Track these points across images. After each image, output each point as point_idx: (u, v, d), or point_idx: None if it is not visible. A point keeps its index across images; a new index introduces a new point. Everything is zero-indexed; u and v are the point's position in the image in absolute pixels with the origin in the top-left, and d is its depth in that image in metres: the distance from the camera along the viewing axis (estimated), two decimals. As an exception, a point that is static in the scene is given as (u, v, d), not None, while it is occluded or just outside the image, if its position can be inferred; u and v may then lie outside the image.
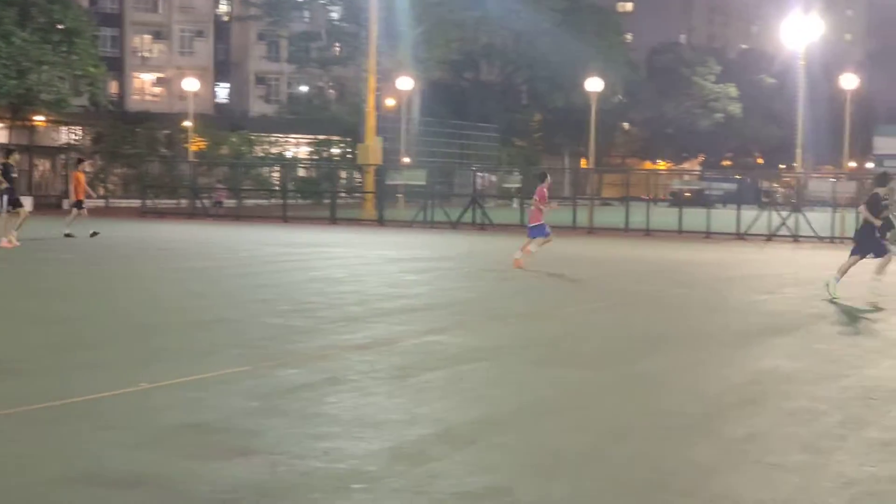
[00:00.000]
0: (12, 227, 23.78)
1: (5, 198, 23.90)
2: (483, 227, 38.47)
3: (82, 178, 29.24)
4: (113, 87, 76.34)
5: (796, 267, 23.29)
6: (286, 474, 5.99)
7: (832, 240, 34.20)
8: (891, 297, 16.49)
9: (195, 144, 57.55)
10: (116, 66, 75.90)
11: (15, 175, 24.86)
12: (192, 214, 43.50)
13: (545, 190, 21.71)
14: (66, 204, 33.81)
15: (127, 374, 8.80)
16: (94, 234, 27.38)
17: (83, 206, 28.66)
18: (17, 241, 23.41)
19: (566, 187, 78.94)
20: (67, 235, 27.30)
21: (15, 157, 25.63)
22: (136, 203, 48.24)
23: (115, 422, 7.21)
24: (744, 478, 6.18)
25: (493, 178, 66.74)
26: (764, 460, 6.53)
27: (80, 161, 31.49)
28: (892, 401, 8.38)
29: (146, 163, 52.20)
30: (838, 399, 8.41)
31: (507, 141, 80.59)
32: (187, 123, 56.29)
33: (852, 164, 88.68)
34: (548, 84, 77.12)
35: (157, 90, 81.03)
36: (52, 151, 55.77)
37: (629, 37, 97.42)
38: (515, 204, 54.64)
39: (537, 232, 21.16)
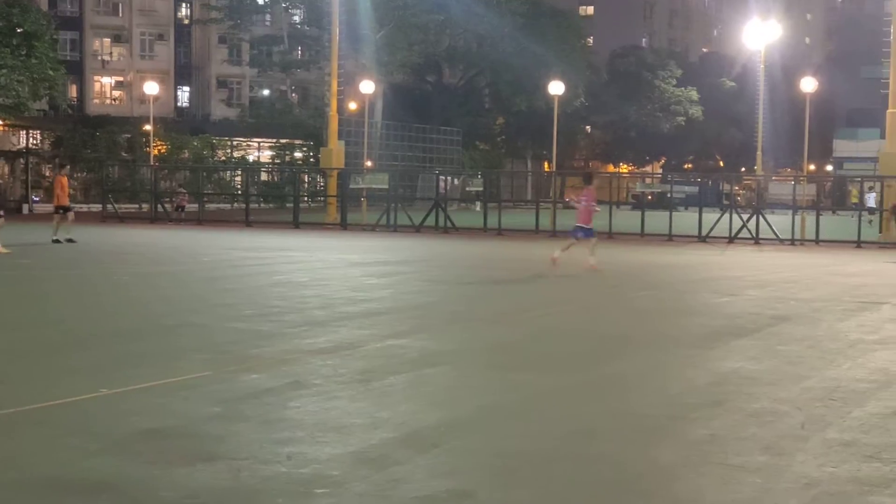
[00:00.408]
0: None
1: None
2: (447, 230, 38.48)
3: (66, 182, 28.95)
4: (73, 91, 75.80)
5: (758, 269, 23.45)
6: (249, 479, 5.96)
7: (793, 242, 34.49)
8: (852, 299, 16.65)
9: (156, 148, 57.17)
10: (76, 70, 75.32)
11: None
12: (153, 219, 43.22)
13: (594, 191, 22.22)
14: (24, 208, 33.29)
15: (89, 379, 8.73)
16: (70, 240, 27.03)
17: (71, 209, 28.38)
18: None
19: (529, 191, 79.15)
20: (55, 241, 26.97)
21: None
22: (96, 208, 47.85)
23: (75, 428, 7.16)
24: (706, 479, 6.21)
25: (457, 181, 66.79)
26: (726, 461, 6.57)
27: (62, 165, 31.13)
28: (852, 402, 8.45)
29: (107, 167, 51.78)
30: (800, 400, 8.47)
31: (470, 144, 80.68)
32: (148, 127, 55.92)
33: (812, 167, 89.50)
34: (510, 87, 77.23)
35: (118, 94, 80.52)
36: (11, 156, 55.23)
37: (590, 40, 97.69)
38: (479, 207, 54.76)
39: (587, 233, 21.40)
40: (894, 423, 7.71)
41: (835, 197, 72.09)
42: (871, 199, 45.69)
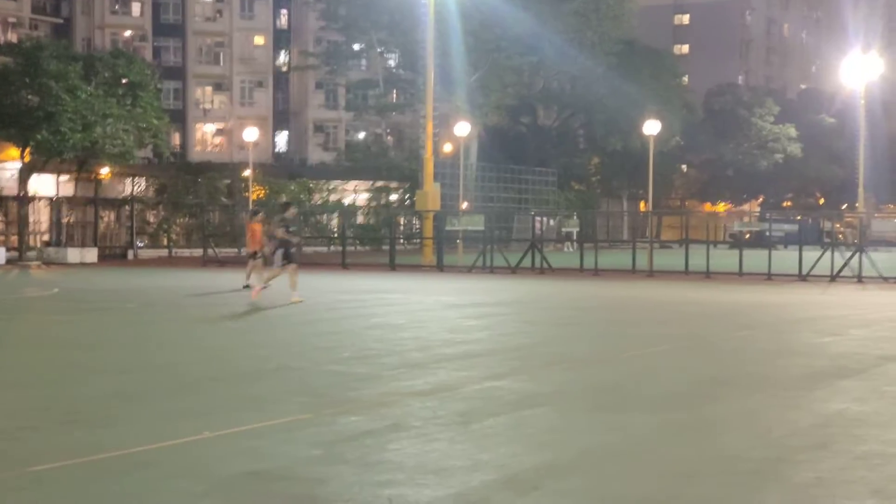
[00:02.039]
0: (269, 277, 23.52)
1: (280, 251, 23.23)
2: (542, 271, 38.40)
3: (259, 228, 28.76)
4: (175, 139, 77.57)
5: (861, 308, 22.97)
6: (350, 522, 5.99)
7: (897, 280, 33.70)
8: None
9: (255, 193, 58.13)
10: (179, 118, 77.11)
11: (293, 228, 24.42)
12: (252, 262, 43.77)
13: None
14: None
15: (191, 423, 8.86)
16: (247, 286, 27.02)
17: (259, 256, 28.14)
18: (298, 297, 22.58)
19: (625, 230, 78.72)
20: (246, 287, 26.99)
21: (292, 211, 25.05)
22: (197, 252, 48.76)
23: (179, 471, 7.26)
24: (813, 524, 6.09)
25: (552, 222, 66.69)
26: (834, 506, 6.43)
27: (255, 213, 31.39)
28: (964, 444, 8.21)
29: (207, 212, 52.79)
30: (908, 442, 8.26)
31: (565, 184, 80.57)
32: (247, 173, 56.93)
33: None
34: (605, 127, 77.08)
35: (218, 140, 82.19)
36: (116, 203, 56.62)
37: (686, 79, 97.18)
38: (569, 248, 54.58)
39: None
40: None
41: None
42: None
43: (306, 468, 7.29)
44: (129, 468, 7.34)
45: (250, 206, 52.21)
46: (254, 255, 28.05)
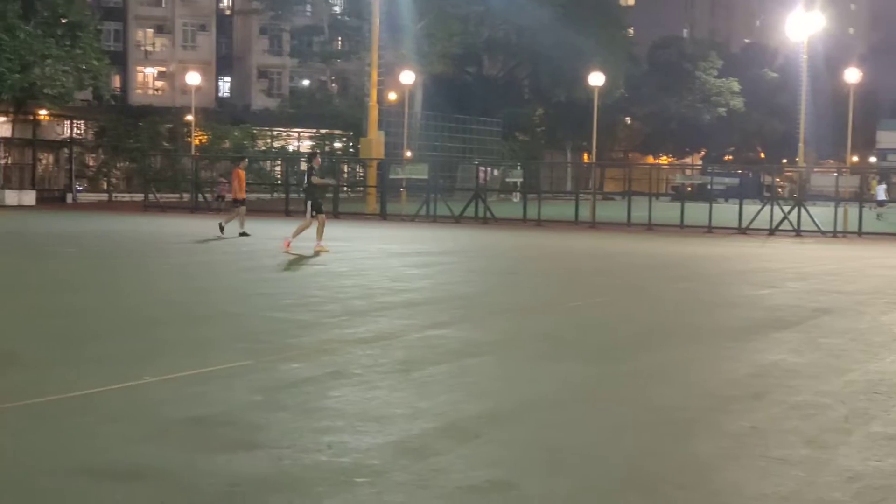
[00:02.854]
0: (300, 229, 23.01)
1: (309, 202, 22.98)
2: (486, 221, 38.47)
3: (243, 175, 28.85)
4: (116, 81, 76.36)
5: (799, 261, 23.28)
6: (290, 468, 5.99)
7: (835, 234, 34.20)
8: (893, 291, 16.50)
9: (197, 138, 57.51)
10: (119, 60, 75.88)
11: (325, 177, 24.05)
12: (194, 209, 43.49)
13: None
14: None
15: (131, 367, 8.80)
16: (244, 234, 27.21)
17: (244, 203, 28.45)
18: (325, 246, 22.36)
19: (569, 182, 78.96)
20: (243, 234, 27.12)
21: (318, 160, 24.45)
22: (138, 197, 48.24)
23: (118, 415, 7.21)
24: (747, 472, 6.18)
25: (496, 172, 66.72)
26: (767, 454, 6.53)
27: (240, 159, 31.14)
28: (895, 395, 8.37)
29: (148, 157, 52.14)
30: (843, 393, 8.40)
31: (510, 135, 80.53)
32: (189, 117, 56.28)
33: (855, 159, 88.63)
34: (550, 78, 77.03)
35: (160, 84, 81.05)
36: (55, 145, 55.76)
37: (631, 31, 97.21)
38: (517, 198, 54.66)
39: None
40: (939, 418, 7.63)
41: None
42: (881, 192, 45.15)
43: (246, 414, 7.27)
44: (67, 412, 7.27)
45: (192, 151, 51.73)
46: (239, 202, 28.11)
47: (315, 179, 23.17)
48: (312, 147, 65.64)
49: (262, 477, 5.79)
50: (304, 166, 62.83)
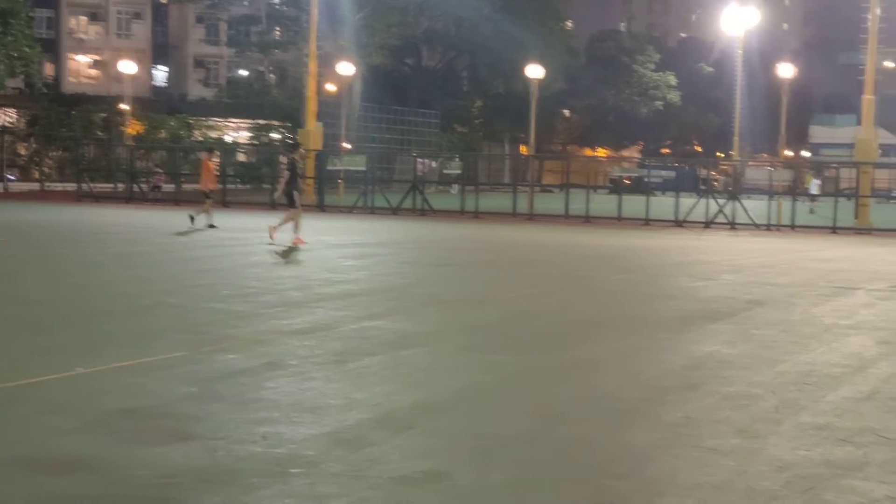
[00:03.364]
0: (284, 220, 22.68)
1: (296, 193, 22.68)
2: (424, 213, 38.47)
3: (212, 166, 28.43)
4: (48, 69, 75.24)
5: (734, 254, 23.56)
6: (225, 459, 5.95)
7: (769, 227, 34.66)
8: (827, 283, 16.75)
9: (132, 128, 56.85)
10: (52, 48, 74.75)
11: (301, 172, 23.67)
12: (129, 199, 43.04)
13: None
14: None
15: (65, 358, 8.70)
16: (212, 226, 26.81)
17: (212, 196, 28.10)
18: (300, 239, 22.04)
19: (507, 174, 79.20)
20: (212, 227, 26.64)
21: (301, 153, 24.09)
22: (71, 187, 47.59)
23: (52, 406, 7.13)
24: (680, 461, 6.25)
25: (434, 164, 66.74)
26: (700, 444, 6.60)
27: (210, 150, 30.62)
28: (826, 386, 8.51)
29: (82, 146, 51.46)
30: (774, 384, 8.52)
31: (448, 127, 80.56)
32: (124, 106, 55.62)
33: (788, 153, 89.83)
34: (489, 70, 77.15)
35: (94, 72, 79.97)
36: (-15, 133, 54.84)
37: (570, 24, 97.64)
38: (455, 190, 54.74)
39: None
40: (867, 407, 7.76)
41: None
42: (814, 187, 45.92)
43: (181, 406, 7.22)
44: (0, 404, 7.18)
45: (125, 141, 51.14)
46: (206, 194, 27.81)
47: (286, 176, 22.99)
48: (253, 137, 65.35)
49: (197, 468, 5.75)
50: (241, 157, 62.58)
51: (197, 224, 26.57)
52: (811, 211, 38.81)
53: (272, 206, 39.80)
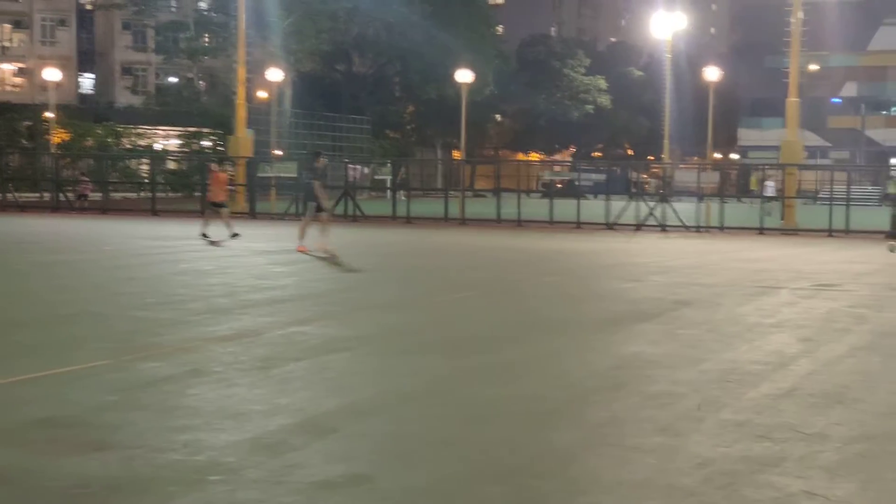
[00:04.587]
0: (302, 228, 22.56)
1: (310, 202, 22.50)
2: (355, 218, 38.34)
3: (225, 177, 27.57)
4: (-28, 78, 74.01)
5: (663, 255, 23.76)
6: (142, 468, 5.87)
7: (698, 229, 35.01)
8: (752, 283, 16.96)
9: (58, 136, 56.04)
10: (-25, 56, 73.52)
11: (324, 178, 23.14)
12: (55, 208, 42.37)
13: None
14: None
15: (-21, 370, 8.53)
16: (236, 234, 25.84)
17: (224, 206, 27.09)
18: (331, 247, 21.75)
19: (439, 179, 79.25)
20: (235, 236, 25.64)
21: (322, 161, 23.62)
22: (-4, 197, 46.75)
23: (-36, 419, 6.99)
24: (603, 460, 6.28)
25: (366, 170, 66.58)
26: (623, 443, 6.64)
27: (221, 160, 29.59)
28: (747, 383, 8.60)
29: (6, 155, 50.59)
30: (697, 382, 8.59)
31: (380, 133, 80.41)
32: (49, 114, 54.84)
33: (718, 156, 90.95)
34: (420, 76, 77.15)
35: (18, 80, 78.66)
36: None
37: (500, 29, 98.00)
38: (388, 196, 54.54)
39: None
40: (786, 404, 7.86)
41: (739, 185, 73.30)
42: (770, 189, 46.61)
43: (100, 415, 7.11)
44: None
45: (51, 149, 50.41)
46: (219, 205, 26.92)
47: (316, 185, 22.79)
48: (183, 145, 64.76)
49: (112, 478, 5.67)
50: (171, 165, 61.97)
51: (215, 237, 25.50)
52: (769, 213, 38.64)
53: (203, 214, 39.49)
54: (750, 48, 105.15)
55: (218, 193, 27.38)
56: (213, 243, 24.43)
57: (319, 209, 22.87)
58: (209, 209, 27.40)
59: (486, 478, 5.89)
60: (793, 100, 38.83)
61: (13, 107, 61.41)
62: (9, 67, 78.92)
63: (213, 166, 29.05)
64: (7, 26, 78.43)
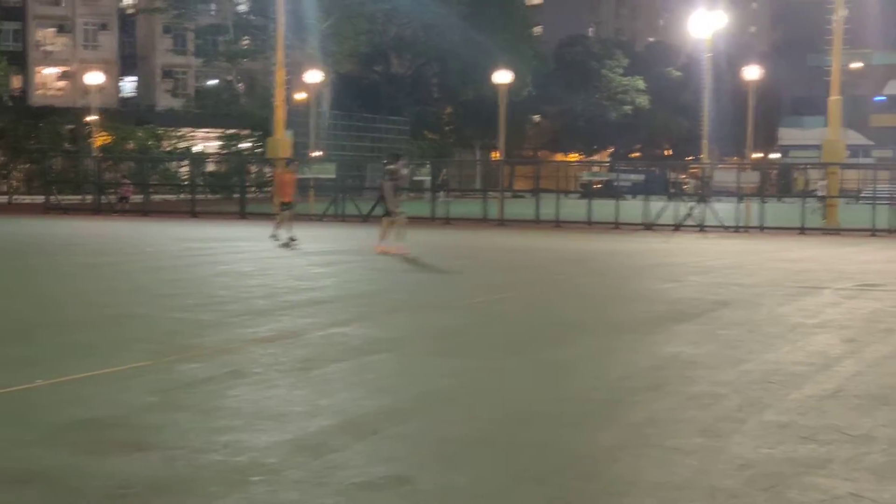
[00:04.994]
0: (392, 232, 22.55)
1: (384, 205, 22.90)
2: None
3: (292, 178, 27.27)
4: (16, 82, 74.74)
5: (702, 256, 23.62)
6: (184, 468, 5.90)
7: (737, 229, 34.79)
8: (793, 283, 16.82)
9: (100, 139, 56.53)
10: (19, 60, 74.26)
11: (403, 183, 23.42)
12: (97, 210, 42.77)
13: None
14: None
15: (26, 370, 8.61)
16: (293, 239, 25.30)
17: (291, 207, 26.61)
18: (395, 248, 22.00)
19: (478, 180, 79.24)
20: (292, 240, 25.04)
21: (400, 164, 23.71)
22: (39, 199, 47.24)
23: (9, 419, 7.06)
24: (643, 461, 6.24)
25: (405, 171, 66.60)
26: (664, 444, 6.60)
27: (289, 162, 29.10)
28: (790, 384, 8.52)
29: (49, 158, 51.09)
30: (738, 383, 8.53)
31: (419, 134, 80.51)
32: (92, 118, 55.30)
33: (758, 155, 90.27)
34: (458, 77, 77.18)
35: (61, 84, 79.44)
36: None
37: (538, 29, 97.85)
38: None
39: None
40: (830, 405, 7.78)
41: (780, 184, 72.78)
42: (822, 188, 46.17)
43: (142, 415, 7.15)
44: (-45, 418, 7.10)
45: (93, 153, 50.85)
46: (287, 206, 26.42)
47: (386, 186, 23.20)
48: (222, 147, 65.11)
49: (155, 478, 5.69)
50: (211, 167, 62.31)
51: (283, 238, 25.16)
52: (824, 216, 37.76)
53: (242, 215, 39.72)
54: (791, 46, 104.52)
55: (284, 194, 26.87)
56: (289, 244, 24.37)
57: (387, 212, 23.06)
58: (283, 210, 26.74)
59: (526, 479, 5.87)
60: (835, 98, 38.48)
61: (56, 110, 61.94)
62: (52, 71, 79.72)
63: (279, 169, 28.69)
64: (50, 31, 79.22)
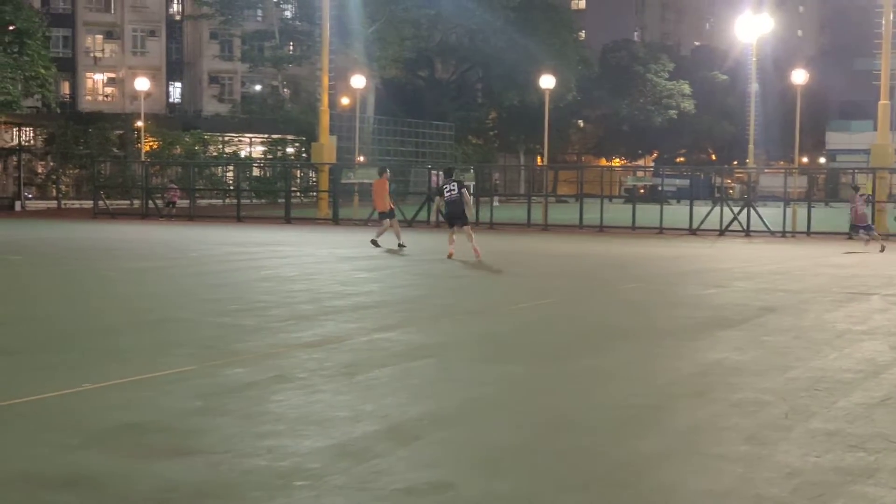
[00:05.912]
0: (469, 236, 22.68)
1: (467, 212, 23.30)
2: (438, 224, 38.38)
3: (385, 186, 26.95)
4: (65, 88, 75.63)
5: (747, 261, 23.45)
6: (227, 473, 5.93)
7: (783, 234, 34.50)
8: (841, 289, 16.65)
9: (147, 144, 57.05)
10: (68, 67, 75.18)
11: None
12: (144, 215, 43.16)
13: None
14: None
15: (73, 374, 8.70)
16: (402, 245, 25.52)
17: (392, 216, 26.36)
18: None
19: (521, 185, 79.20)
20: (401, 246, 25.41)
21: (456, 173, 23.85)
22: (88, 204, 47.76)
23: (56, 423, 7.12)
24: (688, 469, 6.19)
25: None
26: (708, 451, 6.55)
27: (383, 170, 28.74)
28: (837, 392, 8.43)
29: (98, 163, 51.65)
30: (784, 390, 8.44)
31: (463, 139, 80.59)
32: (139, 123, 55.83)
33: (804, 160, 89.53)
34: (502, 82, 77.19)
35: (110, 90, 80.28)
36: (3, 153, 55.08)
37: (582, 34, 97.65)
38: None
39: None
40: (879, 413, 7.68)
41: (828, 189, 72.09)
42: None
43: (186, 420, 7.20)
44: (6, 420, 7.18)
45: (140, 158, 51.32)
46: (387, 215, 26.17)
47: (466, 195, 23.50)
48: (267, 152, 65.52)
49: (199, 483, 5.73)
50: (256, 172, 62.65)
51: (395, 245, 25.41)
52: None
53: (287, 220, 39.91)
54: (839, 50, 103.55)
55: (380, 202, 26.64)
56: (395, 249, 24.82)
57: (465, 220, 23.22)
58: (389, 218, 26.35)
59: (568, 485, 5.84)
60: (884, 102, 38.08)
61: (105, 116, 62.59)
62: (101, 77, 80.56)
63: (386, 175, 28.00)
64: (99, 37, 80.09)
